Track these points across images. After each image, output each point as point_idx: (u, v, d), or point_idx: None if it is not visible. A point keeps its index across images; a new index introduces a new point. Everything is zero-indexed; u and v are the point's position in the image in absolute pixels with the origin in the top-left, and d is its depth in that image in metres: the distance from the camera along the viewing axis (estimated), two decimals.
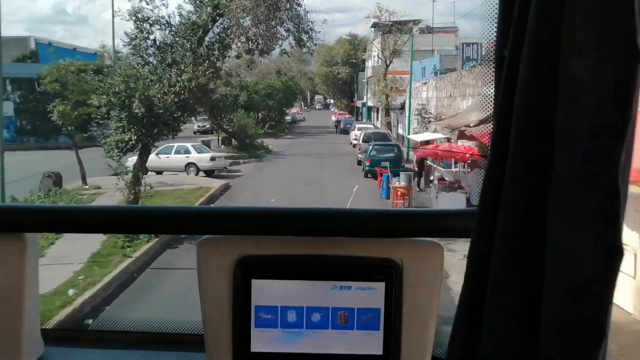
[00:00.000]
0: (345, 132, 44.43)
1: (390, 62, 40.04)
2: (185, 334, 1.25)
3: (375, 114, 54.05)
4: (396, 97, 39.17)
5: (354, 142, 34.90)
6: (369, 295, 0.89)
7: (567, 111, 0.50)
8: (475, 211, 0.73)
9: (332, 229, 0.90)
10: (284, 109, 52.02)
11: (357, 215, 0.91)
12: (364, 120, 60.85)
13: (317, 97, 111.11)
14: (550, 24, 0.51)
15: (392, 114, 39.97)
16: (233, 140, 32.90)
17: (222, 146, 32.95)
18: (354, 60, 67.70)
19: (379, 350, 0.90)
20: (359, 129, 36.88)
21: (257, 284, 0.89)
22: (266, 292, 0.90)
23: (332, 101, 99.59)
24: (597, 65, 0.48)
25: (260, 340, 0.90)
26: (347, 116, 64.24)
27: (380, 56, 43.49)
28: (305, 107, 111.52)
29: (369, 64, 56.40)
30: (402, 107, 36.55)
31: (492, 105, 0.65)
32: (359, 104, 66.36)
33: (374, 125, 47.01)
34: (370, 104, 54.68)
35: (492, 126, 0.59)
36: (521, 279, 0.54)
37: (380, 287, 0.89)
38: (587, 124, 0.49)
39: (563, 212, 0.50)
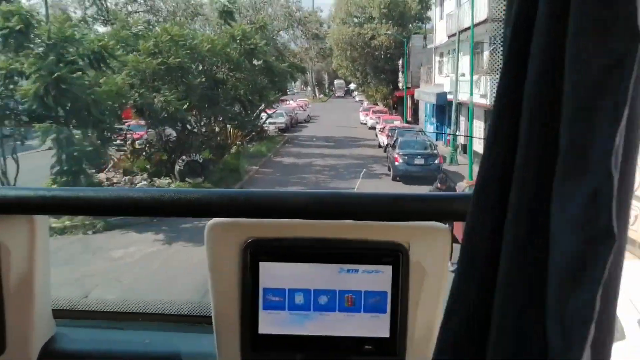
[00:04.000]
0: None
1: None
2: (194, 315, 1.30)
3: (472, 121, 21.25)
4: None
5: None
6: (376, 278, 0.91)
7: (566, 93, 0.50)
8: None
9: (340, 213, 0.90)
10: (255, 105, 20.19)
11: (364, 199, 0.91)
12: (417, 126, 28.77)
13: (337, 82, 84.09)
14: (558, 6, 0.50)
15: None
16: None
17: None
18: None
19: (385, 333, 0.92)
20: None
21: (265, 267, 0.91)
22: (274, 274, 0.92)
23: (354, 86, 69.32)
24: (594, 45, 0.48)
25: (268, 322, 0.93)
26: (396, 120, 31.90)
27: None
28: (322, 96, 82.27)
29: (451, 8, 23.25)
30: None
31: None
32: (424, 94, 32.47)
33: None
34: (462, 97, 21.85)
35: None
36: (531, 265, 0.54)
37: (387, 270, 0.91)
38: (580, 106, 0.49)
39: (559, 196, 0.51)
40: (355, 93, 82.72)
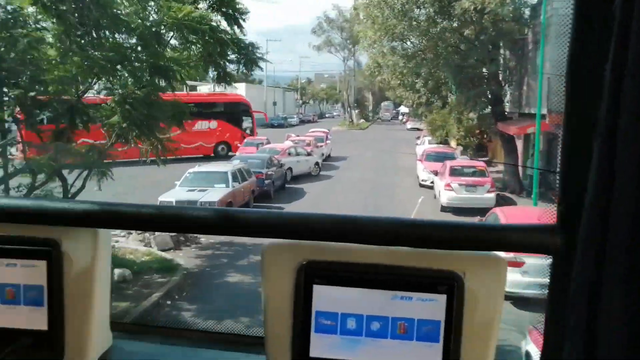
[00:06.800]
0: None
1: None
2: (247, 335, 1.32)
3: None
4: None
5: None
6: (430, 306, 0.92)
7: None
8: (539, 227, 0.84)
9: (395, 239, 0.91)
10: None
11: (421, 226, 0.92)
12: None
13: (384, 103, 73.68)
14: None
15: None
16: None
17: None
18: None
19: None
20: None
21: (318, 290, 0.93)
22: (327, 298, 0.93)
23: (404, 109, 50.02)
24: None
25: (320, 346, 0.94)
26: None
27: None
28: (362, 121, 63.03)
29: None
30: None
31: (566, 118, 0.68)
32: None
33: None
34: None
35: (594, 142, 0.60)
36: (635, 297, 0.55)
37: (442, 299, 0.91)
38: None
39: None
40: (402, 117, 60.85)
